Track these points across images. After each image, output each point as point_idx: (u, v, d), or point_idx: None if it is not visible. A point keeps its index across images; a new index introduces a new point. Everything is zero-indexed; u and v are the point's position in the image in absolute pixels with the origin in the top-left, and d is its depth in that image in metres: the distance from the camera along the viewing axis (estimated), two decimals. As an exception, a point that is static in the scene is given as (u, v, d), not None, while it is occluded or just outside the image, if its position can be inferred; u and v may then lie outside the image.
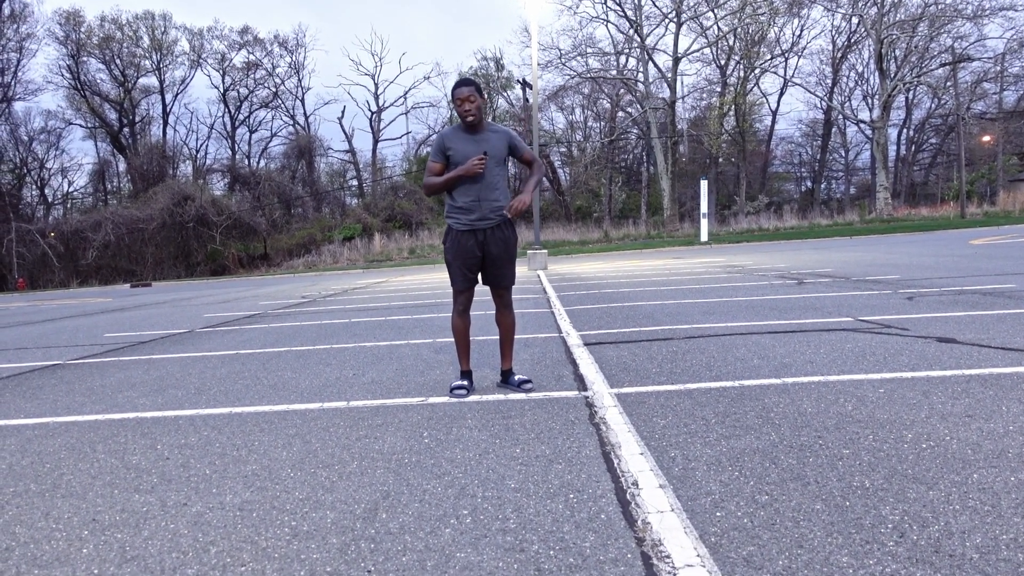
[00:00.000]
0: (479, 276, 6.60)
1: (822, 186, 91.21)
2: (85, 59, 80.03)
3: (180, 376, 8.63)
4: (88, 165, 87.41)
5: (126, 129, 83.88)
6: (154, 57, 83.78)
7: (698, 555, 3.11)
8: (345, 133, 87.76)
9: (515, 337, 7.00)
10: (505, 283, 6.63)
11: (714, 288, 15.50)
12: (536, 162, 6.81)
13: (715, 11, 64.26)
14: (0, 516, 4.14)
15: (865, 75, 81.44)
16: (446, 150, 6.27)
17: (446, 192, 6.42)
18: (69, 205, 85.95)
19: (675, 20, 64.27)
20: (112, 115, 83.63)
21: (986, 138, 71.89)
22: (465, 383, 6.61)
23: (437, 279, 27.99)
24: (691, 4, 64.11)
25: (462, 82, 6.24)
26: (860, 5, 63.27)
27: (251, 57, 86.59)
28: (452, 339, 9.96)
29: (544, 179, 75.72)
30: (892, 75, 62.84)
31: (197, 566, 3.35)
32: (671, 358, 7.68)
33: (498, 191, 6.37)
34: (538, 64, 33.34)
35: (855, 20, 68.08)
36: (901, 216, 58.29)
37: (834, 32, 76.41)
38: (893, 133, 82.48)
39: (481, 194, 6.29)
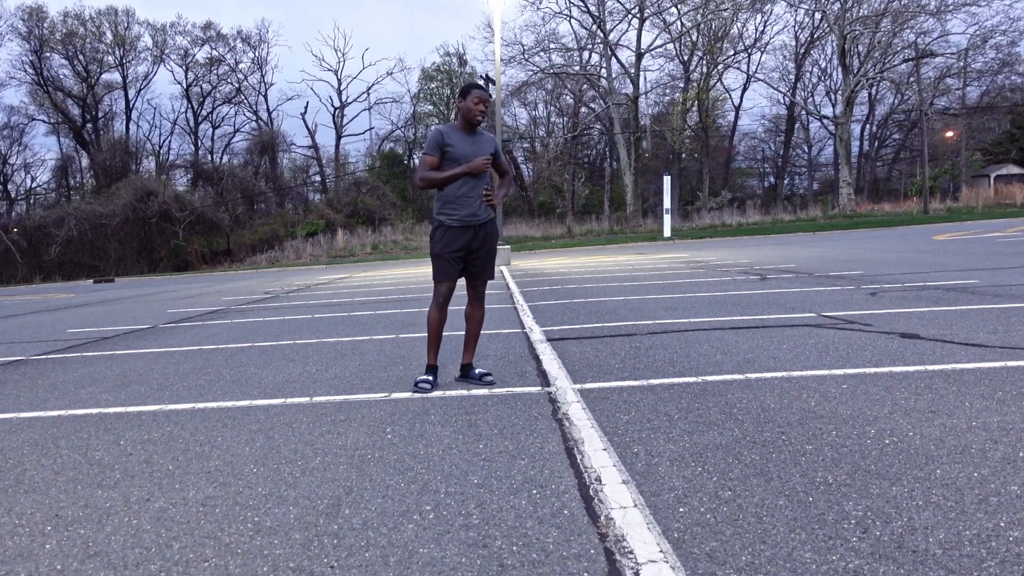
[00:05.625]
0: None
1: (785, 182, 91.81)
2: (48, 55, 79.14)
3: (143, 372, 8.57)
4: (51, 161, 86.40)
5: (89, 125, 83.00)
6: (117, 53, 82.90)
7: (661, 551, 3.12)
8: (308, 129, 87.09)
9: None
10: (486, 277, 6.80)
11: (677, 284, 15.56)
12: (508, 175, 7.10)
13: (678, 6, 64.45)
14: (-49, 516, 4.10)
15: (828, 71, 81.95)
16: (445, 146, 6.41)
17: (438, 188, 6.55)
18: (32, 201, 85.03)
19: (638, 16, 64.45)
20: (75, 111, 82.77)
21: (949, 134, 72.49)
22: (430, 378, 6.62)
23: (400, 275, 27.94)
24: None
25: (478, 85, 6.55)
26: (823, 1, 63.69)
27: (214, 53, 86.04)
28: (415, 335, 9.99)
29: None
30: (855, 71, 63.30)
31: (160, 562, 3.32)
32: (634, 354, 7.70)
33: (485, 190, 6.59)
34: (501, 60, 33.31)
35: (818, 16, 68.62)
36: (864, 212, 58.74)
37: (797, 28, 76.85)
38: (856, 129, 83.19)
39: (475, 191, 6.47)
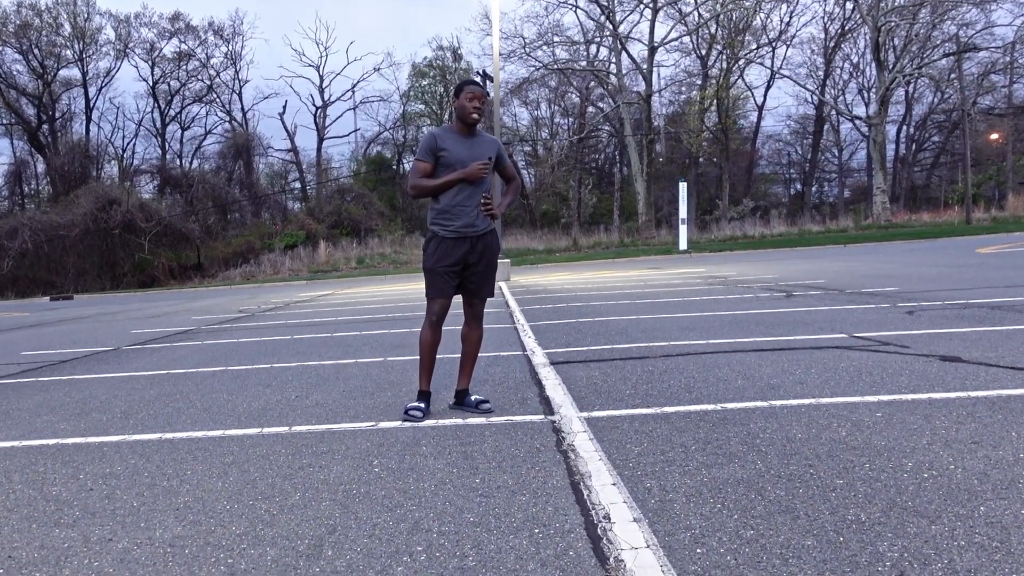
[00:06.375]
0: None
1: (813, 189, 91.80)
2: (0, 49, 79.27)
3: (105, 398, 8.58)
4: (3, 166, 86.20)
5: (45, 126, 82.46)
6: (76, 46, 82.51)
7: (677, 596, 3.12)
8: (287, 130, 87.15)
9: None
10: (485, 294, 6.79)
11: (694, 301, 15.59)
12: (515, 181, 7.10)
13: (696, -5, 64.55)
14: None
15: (861, 66, 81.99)
16: (439, 150, 6.40)
17: (432, 197, 6.54)
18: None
19: (651, 6, 64.44)
20: (30, 110, 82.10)
21: (994, 136, 72.28)
22: (422, 405, 6.63)
23: (389, 291, 27.96)
24: (669, -13, 64.36)
25: (472, 81, 6.52)
26: (855, -11, 63.68)
27: (183, 47, 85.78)
28: (405, 358, 10.00)
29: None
30: (890, 66, 63.21)
31: (120, 610, 3.33)
32: (646, 378, 7.71)
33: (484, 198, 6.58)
34: (500, 54, 33.43)
35: (849, 5, 68.62)
36: (900, 222, 58.77)
37: (826, 19, 76.61)
38: (892, 130, 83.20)
39: (472, 200, 6.46)
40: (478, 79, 66.23)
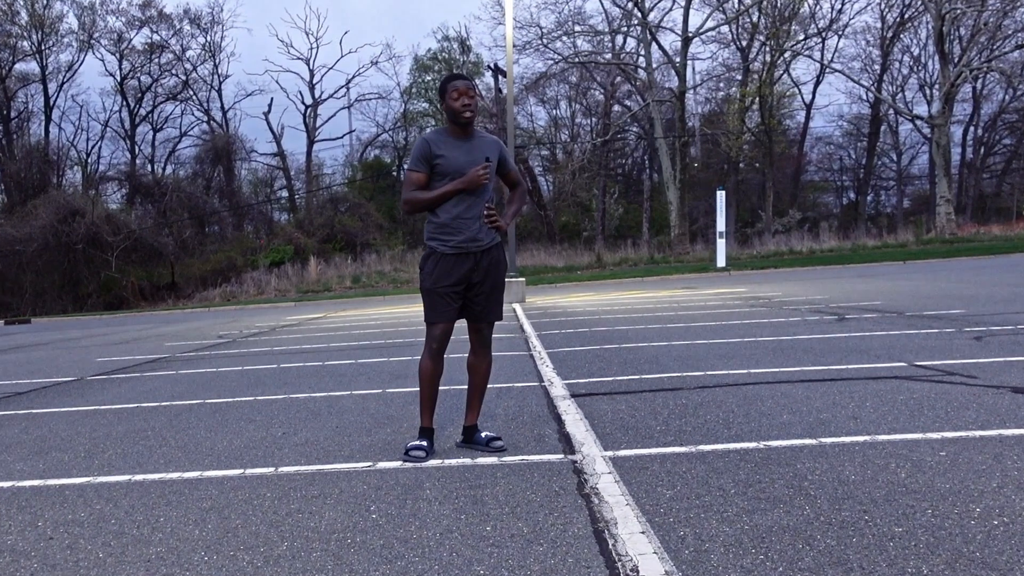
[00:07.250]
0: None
1: (868, 198, 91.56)
2: (-52, 41, 79.33)
3: (67, 435, 8.59)
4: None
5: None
6: (34, 37, 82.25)
7: (714, 659, 3.12)
8: (273, 132, 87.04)
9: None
10: (492, 317, 6.76)
11: (733, 326, 15.59)
12: (520, 186, 7.08)
13: (735, -21, 64.49)
14: None
15: (922, 60, 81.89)
16: (433, 158, 6.35)
17: (429, 211, 6.51)
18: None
19: (685, -10, 64.53)
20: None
21: (1073, 138, 72.13)
22: (424, 443, 6.61)
23: (388, 314, 27.96)
24: (705, -30, 64.31)
25: (458, 75, 6.45)
26: (915, -28, 63.57)
27: (155, 37, 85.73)
28: (406, 390, 10.00)
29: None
30: (956, 60, 63.06)
31: (84, 675, 3.34)
32: (680, 413, 7.71)
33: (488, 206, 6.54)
34: (514, 46, 33.43)
35: (909, -9, 68.44)
36: (967, 235, 58.54)
37: (883, 6, 76.36)
38: (957, 132, 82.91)
39: (473, 211, 6.42)
40: (489, 74, 66.22)
